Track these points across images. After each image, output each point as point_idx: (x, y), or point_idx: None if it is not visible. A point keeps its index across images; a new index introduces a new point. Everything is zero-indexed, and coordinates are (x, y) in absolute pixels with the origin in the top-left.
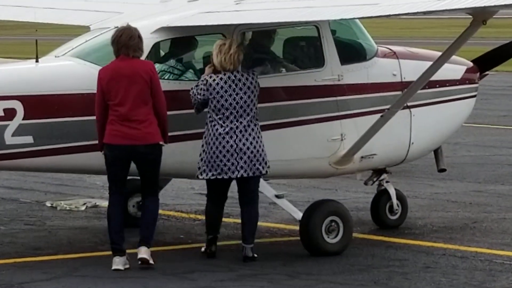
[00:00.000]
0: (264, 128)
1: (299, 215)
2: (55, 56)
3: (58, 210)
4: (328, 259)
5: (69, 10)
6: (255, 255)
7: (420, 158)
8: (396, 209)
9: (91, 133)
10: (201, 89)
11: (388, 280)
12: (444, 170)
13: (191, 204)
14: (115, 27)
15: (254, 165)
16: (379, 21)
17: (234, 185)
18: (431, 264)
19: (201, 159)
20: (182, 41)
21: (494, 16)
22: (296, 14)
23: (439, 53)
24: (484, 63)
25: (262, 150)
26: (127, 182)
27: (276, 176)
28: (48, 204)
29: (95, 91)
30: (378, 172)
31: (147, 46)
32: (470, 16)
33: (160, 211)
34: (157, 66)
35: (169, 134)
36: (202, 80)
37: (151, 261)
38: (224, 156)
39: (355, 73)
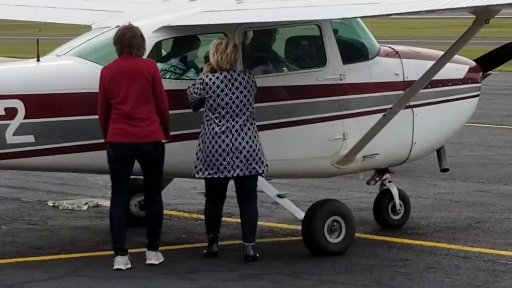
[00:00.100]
0: (266, 127)
1: (301, 214)
2: (56, 55)
3: (60, 210)
4: (330, 259)
5: (70, 9)
6: (257, 255)
7: (423, 158)
8: (399, 209)
9: (92, 132)
10: (197, 88)
11: (391, 280)
12: (447, 169)
13: (193, 203)
14: (116, 26)
15: (251, 164)
16: (381, 21)
17: (233, 185)
18: (434, 264)
19: (198, 158)
20: (183, 40)
21: (497, 16)
22: (297, 13)
23: (442, 53)
24: (487, 63)
25: (259, 150)
26: (129, 182)
27: (278, 176)
28: (50, 203)
29: (97, 90)
30: (380, 171)
31: (148, 45)
32: (473, 16)
33: None
34: (159, 65)
35: (171, 133)
36: (199, 79)
37: (161, 260)
38: (220, 155)
39: (357, 73)
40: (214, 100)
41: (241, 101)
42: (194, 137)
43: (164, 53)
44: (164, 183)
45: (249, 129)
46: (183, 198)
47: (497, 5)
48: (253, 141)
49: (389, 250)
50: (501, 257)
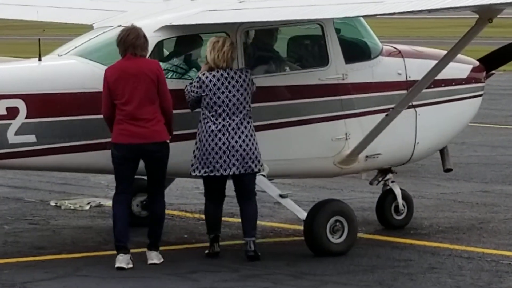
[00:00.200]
0: (269, 127)
1: (303, 214)
2: (58, 55)
3: (63, 210)
4: (332, 259)
5: (72, 9)
6: (258, 253)
7: (426, 158)
8: (402, 209)
9: (94, 132)
10: (194, 86)
11: (393, 281)
12: (450, 170)
13: (196, 203)
14: (118, 26)
15: (247, 162)
16: (385, 20)
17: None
18: (436, 264)
19: (194, 156)
20: (185, 39)
21: (500, 16)
22: (299, 12)
23: (445, 52)
24: (490, 62)
25: (255, 148)
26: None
27: (280, 176)
28: (52, 203)
29: (98, 90)
30: (383, 172)
31: (150, 44)
32: (476, 15)
33: None
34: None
35: (174, 133)
36: (196, 78)
37: (161, 261)
38: (216, 153)
39: (359, 72)
40: (211, 98)
41: (238, 100)
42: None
43: (165, 52)
44: (167, 183)
45: (245, 127)
46: (185, 198)
47: (500, 4)
48: (249, 140)
49: (392, 250)
50: (505, 257)
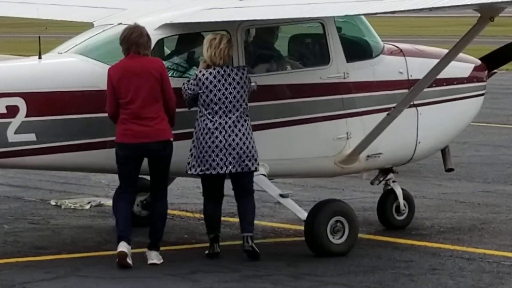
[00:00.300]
0: (269, 126)
1: (304, 215)
2: (58, 53)
3: (63, 209)
4: (333, 260)
5: (73, 7)
6: (257, 250)
7: (428, 158)
8: (403, 210)
9: (94, 130)
10: (191, 84)
11: (394, 282)
12: (451, 169)
13: (196, 203)
14: (119, 24)
15: (243, 161)
16: (387, 19)
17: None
18: (437, 266)
19: (191, 154)
20: (186, 37)
21: (502, 15)
22: (299, 11)
23: (446, 51)
24: (492, 61)
25: (252, 147)
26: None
27: (281, 175)
28: (52, 202)
29: (99, 88)
30: (384, 171)
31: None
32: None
33: None
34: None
35: (175, 132)
36: (193, 75)
37: (161, 261)
38: (213, 151)
39: (361, 71)
40: (207, 96)
41: (234, 97)
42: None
43: (166, 50)
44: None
45: (242, 125)
46: (186, 197)
47: (502, 2)
48: (246, 138)
49: (393, 251)
50: (506, 258)
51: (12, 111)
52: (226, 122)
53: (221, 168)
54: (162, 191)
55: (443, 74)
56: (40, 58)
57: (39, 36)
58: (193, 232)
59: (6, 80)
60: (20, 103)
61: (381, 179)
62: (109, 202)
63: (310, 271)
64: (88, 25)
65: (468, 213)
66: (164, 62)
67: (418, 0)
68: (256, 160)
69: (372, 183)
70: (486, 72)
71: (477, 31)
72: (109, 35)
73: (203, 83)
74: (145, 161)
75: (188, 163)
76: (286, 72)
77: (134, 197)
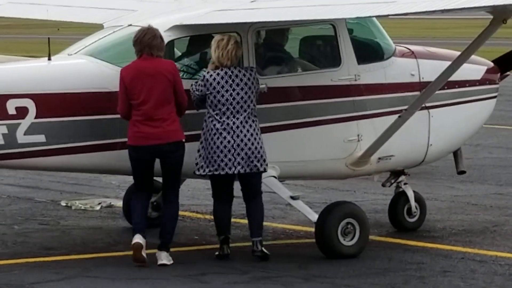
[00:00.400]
0: (279, 128)
1: (314, 217)
2: (68, 54)
3: (73, 210)
4: (344, 262)
5: (83, 8)
6: (267, 252)
7: (440, 160)
8: (415, 212)
9: (103, 132)
10: (199, 85)
11: (405, 284)
12: (463, 172)
13: (207, 204)
14: (128, 25)
15: (252, 161)
16: (401, 21)
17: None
18: (449, 268)
19: (199, 155)
20: (196, 39)
21: None
22: (311, 13)
23: (458, 53)
24: (505, 63)
25: (261, 147)
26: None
27: (291, 177)
28: (63, 203)
29: (108, 90)
30: (396, 173)
31: None
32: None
33: None
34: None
35: (186, 133)
36: (201, 76)
37: (170, 262)
38: (222, 151)
39: (372, 73)
40: (215, 97)
41: (242, 98)
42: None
43: (176, 52)
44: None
45: (250, 126)
46: (196, 199)
47: None
48: (254, 138)
49: (404, 253)
50: None
51: (21, 112)
52: (234, 123)
53: (230, 168)
54: (174, 192)
55: (455, 76)
56: (49, 59)
57: (48, 37)
58: (203, 233)
59: (16, 82)
60: (30, 104)
61: (393, 181)
62: (119, 203)
63: (321, 273)
64: (98, 27)
65: (480, 216)
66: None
67: (430, 2)
68: (264, 160)
69: (383, 185)
70: (499, 74)
71: (489, 33)
72: (119, 36)
73: (211, 84)
74: (157, 162)
75: (196, 164)
76: (296, 74)
77: (150, 196)
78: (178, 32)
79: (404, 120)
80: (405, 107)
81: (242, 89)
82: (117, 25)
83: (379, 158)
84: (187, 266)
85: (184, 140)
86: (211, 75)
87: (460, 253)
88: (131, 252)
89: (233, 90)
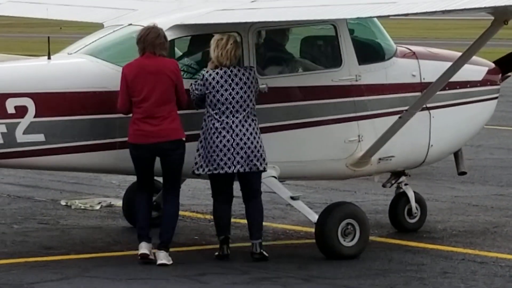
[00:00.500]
0: (280, 128)
1: (314, 217)
2: (68, 54)
3: (73, 209)
4: (344, 262)
5: (83, 7)
6: (266, 254)
7: (441, 161)
8: (415, 212)
9: (103, 131)
10: (198, 84)
11: (405, 285)
12: (464, 173)
13: (207, 204)
14: (129, 24)
15: (251, 160)
16: (403, 22)
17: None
18: (449, 269)
19: (199, 155)
20: (196, 39)
21: None
22: (311, 13)
23: (460, 54)
24: (506, 64)
25: (260, 146)
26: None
27: (292, 178)
28: (63, 202)
29: (108, 89)
30: (396, 174)
31: None
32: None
33: None
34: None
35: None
36: (200, 75)
37: (170, 262)
38: (221, 150)
39: (373, 74)
40: (214, 96)
41: (241, 97)
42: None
43: (176, 51)
44: None
45: (250, 125)
46: (197, 199)
47: None
48: (254, 137)
49: (404, 254)
50: None
51: (21, 111)
52: (233, 122)
53: (229, 167)
54: (174, 192)
55: (456, 77)
56: (49, 58)
57: (48, 36)
58: (203, 233)
59: (15, 80)
60: (29, 103)
61: (393, 181)
62: (119, 203)
63: (321, 273)
64: (99, 26)
65: (481, 217)
66: None
67: (431, 3)
68: (264, 159)
69: (384, 185)
70: (500, 75)
71: (490, 35)
72: (119, 36)
73: (210, 83)
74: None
75: (196, 163)
76: (297, 74)
77: (152, 195)
78: (179, 32)
79: (405, 120)
80: (406, 107)
81: (241, 88)
82: (117, 25)
83: (380, 159)
84: (186, 266)
85: (184, 139)
86: (210, 75)
87: (461, 254)
88: (131, 252)
89: (232, 89)
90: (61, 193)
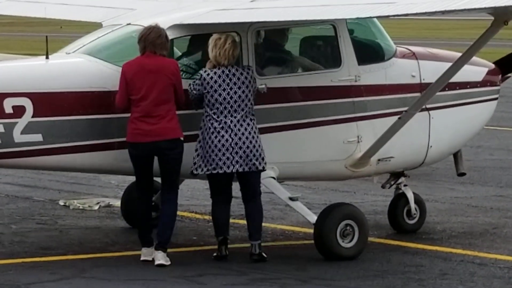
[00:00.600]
0: (279, 129)
1: (313, 218)
2: (66, 53)
3: (71, 209)
4: (342, 263)
5: (81, 6)
6: (264, 255)
7: (440, 162)
8: (414, 213)
9: (101, 131)
10: (196, 84)
11: (404, 286)
12: (463, 174)
13: (206, 205)
14: (128, 24)
15: (250, 160)
16: (404, 22)
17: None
18: (448, 270)
19: (197, 155)
20: (195, 38)
21: None
22: (310, 13)
23: (460, 54)
24: (506, 65)
25: (259, 146)
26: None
27: (291, 178)
28: (61, 203)
29: (106, 89)
30: (396, 175)
31: None
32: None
33: None
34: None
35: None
36: (198, 75)
37: (168, 263)
38: (220, 150)
39: (372, 74)
40: (212, 96)
41: (239, 97)
42: None
43: (175, 51)
44: None
45: (248, 124)
46: (196, 199)
47: None
48: (252, 137)
49: (403, 255)
50: None
51: (18, 111)
52: (231, 121)
53: (228, 167)
54: (172, 191)
55: (456, 78)
56: (47, 58)
57: (46, 35)
58: (201, 234)
59: (13, 80)
60: (27, 103)
61: (393, 182)
62: (118, 203)
63: (319, 275)
64: (97, 25)
65: (480, 218)
66: None
67: (431, 3)
68: (263, 159)
69: (383, 186)
70: (500, 76)
71: (490, 35)
72: (117, 35)
73: (208, 83)
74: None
75: (194, 163)
76: (296, 75)
77: (152, 196)
78: (178, 32)
79: (404, 121)
80: (406, 108)
81: (239, 88)
82: (116, 24)
83: (379, 160)
84: (184, 267)
85: (182, 138)
86: (208, 74)
87: (460, 255)
88: (129, 253)
89: (231, 89)
90: (60, 193)
